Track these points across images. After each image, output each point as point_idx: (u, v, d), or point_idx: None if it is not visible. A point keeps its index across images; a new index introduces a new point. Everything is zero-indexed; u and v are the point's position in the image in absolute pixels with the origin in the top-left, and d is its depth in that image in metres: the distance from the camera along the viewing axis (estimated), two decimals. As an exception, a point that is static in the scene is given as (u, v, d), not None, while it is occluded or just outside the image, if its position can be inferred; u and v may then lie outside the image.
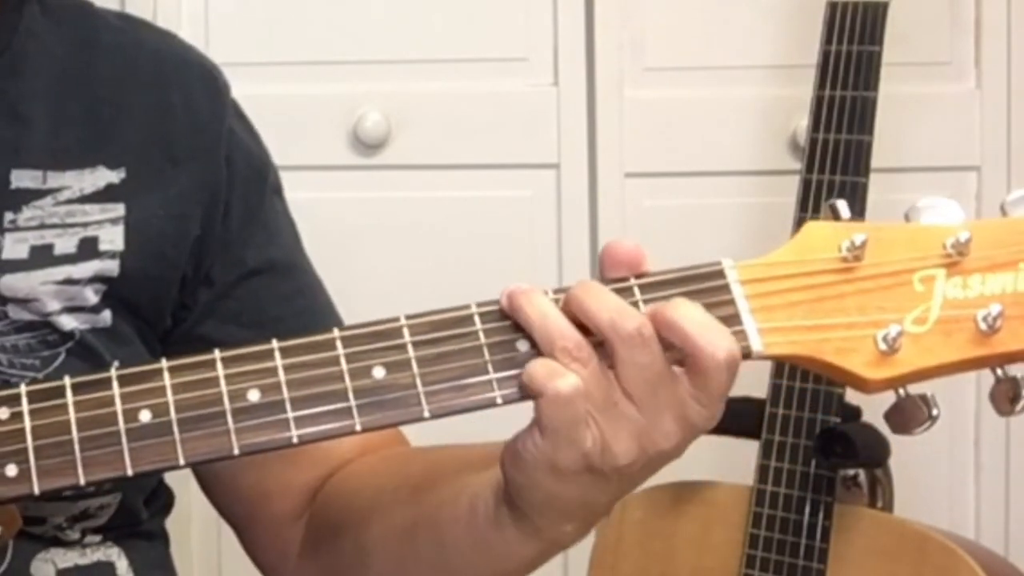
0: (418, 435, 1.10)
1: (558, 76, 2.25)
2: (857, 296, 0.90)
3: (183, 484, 1.21)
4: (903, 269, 0.90)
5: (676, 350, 0.88)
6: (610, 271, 0.92)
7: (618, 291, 0.90)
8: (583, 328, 0.89)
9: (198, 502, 1.24)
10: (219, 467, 1.16)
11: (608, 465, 0.89)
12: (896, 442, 1.72)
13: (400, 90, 2.24)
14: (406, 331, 0.90)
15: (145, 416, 0.88)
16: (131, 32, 1.22)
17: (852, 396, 1.83)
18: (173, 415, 0.88)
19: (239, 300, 1.18)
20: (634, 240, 0.92)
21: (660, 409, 0.88)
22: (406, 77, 2.25)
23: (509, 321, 0.90)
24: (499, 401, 0.89)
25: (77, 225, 1.12)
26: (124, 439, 0.88)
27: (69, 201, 1.12)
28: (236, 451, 0.89)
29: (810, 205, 1.87)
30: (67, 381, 0.90)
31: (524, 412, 0.90)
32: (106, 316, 1.13)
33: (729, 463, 1.93)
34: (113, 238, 1.13)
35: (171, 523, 1.24)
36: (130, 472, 0.88)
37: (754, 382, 1.84)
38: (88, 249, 1.12)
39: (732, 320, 0.89)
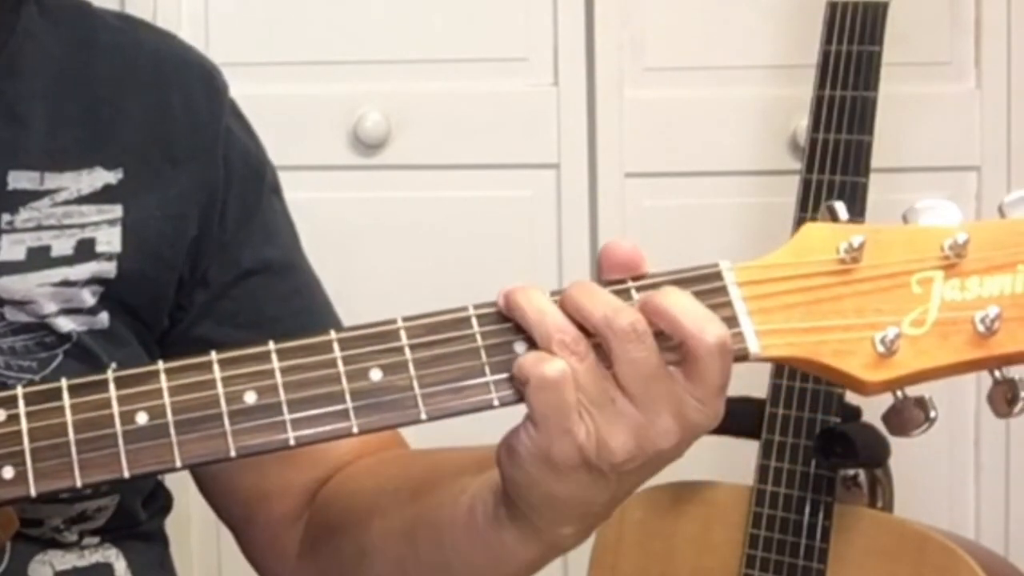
0: (416, 437, 1.10)
1: (558, 76, 2.25)
2: (855, 298, 0.90)
3: (183, 486, 1.21)
4: (901, 271, 0.90)
5: (673, 351, 0.88)
6: (608, 272, 0.92)
7: (615, 292, 0.90)
8: (581, 329, 0.89)
9: (198, 504, 1.24)
10: (216, 469, 1.16)
11: (605, 462, 0.89)
12: (896, 442, 1.72)
13: (400, 90, 2.24)
14: (403, 333, 0.90)
15: (142, 418, 0.88)
16: (130, 32, 1.22)
17: (852, 396, 1.83)
18: (170, 417, 0.88)
19: (236, 301, 1.18)
20: (632, 241, 0.92)
21: (657, 406, 0.88)
22: (406, 77, 2.25)
23: (506, 323, 0.90)
24: (496, 403, 0.89)
25: (74, 226, 1.12)
26: (121, 441, 0.88)
27: (66, 202, 1.12)
28: (233, 453, 0.88)
29: (810, 205, 1.87)
30: (64, 383, 0.90)
31: (523, 414, 0.90)
32: (103, 318, 1.12)
33: (729, 463, 1.93)
34: (110, 240, 1.13)
35: (171, 525, 1.24)
36: (127, 474, 0.88)
37: (754, 382, 1.84)
38: (85, 251, 1.12)
39: (730, 322, 0.89)
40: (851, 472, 1.88)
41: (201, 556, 2.19)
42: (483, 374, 0.89)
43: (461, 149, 2.24)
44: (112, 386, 0.89)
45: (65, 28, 1.18)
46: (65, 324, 1.11)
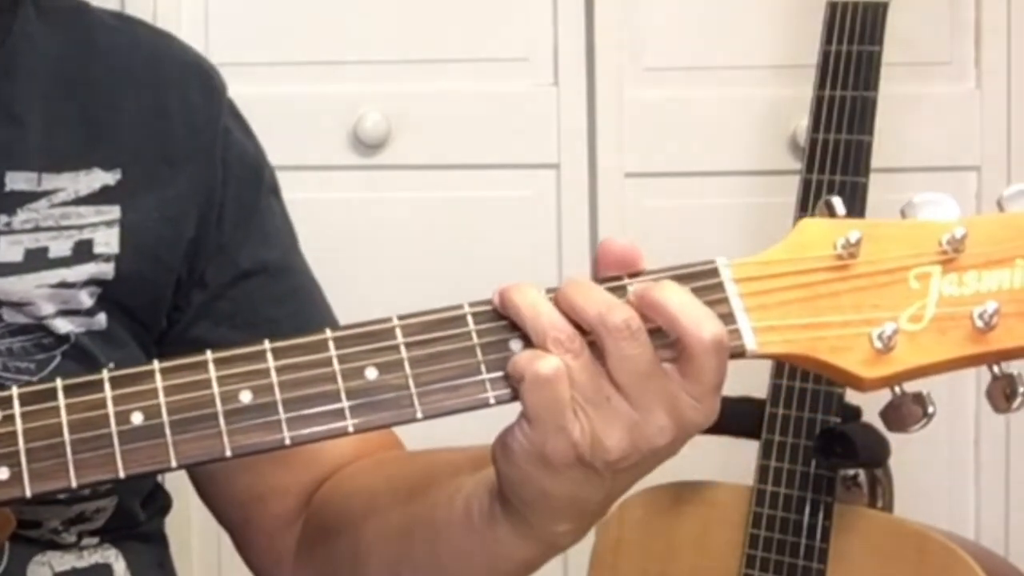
0: (411, 436, 1.10)
1: (558, 76, 2.24)
2: (852, 294, 0.90)
3: (183, 487, 1.21)
4: (898, 266, 0.90)
5: (668, 347, 0.88)
6: (605, 269, 0.92)
7: (611, 290, 0.90)
8: (576, 327, 0.88)
9: (198, 504, 1.24)
10: (213, 470, 1.16)
11: (599, 459, 0.88)
12: (896, 442, 1.72)
13: (400, 90, 2.24)
14: (399, 331, 0.90)
15: (137, 418, 0.88)
16: (127, 32, 1.22)
17: (852, 396, 1.82)
18: (165, 417, 0.88)
19: (233, 301, 1.18)
20: (629, 239, 0.92)
21: (651, 403, 0.88)
22: (406, 77, 2.25)
23: (502, 321, 0.90)
24: (492, 401, 0.89)
25: (72, 228, 1.12)
26: (116, 441, 0.88)
27: (64, 203, 1.12)
28: (228, 453, 0.88)
29: (810, 205, 1.87)
30: (59, 383, 0.89)
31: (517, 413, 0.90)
32: (101, 319, 1.12)
33: (729, 463, 1.93)
34: (108, 241, 1.13)
35: (171, 525, 1.24)
36: (122, 474, 0.88)
37: (754, 382, 1.84)
38: (83, 252, 1.12)
39: (727, 319, 0.89)
40: (851, 472, 1.87)
41: (201, 556, 2.19)
42: (478, 372, 0.89)
43: (461, 149, 2.24)
44: (107, 386, 0.89)
45: (62, 29, 1.18)
46: (63, 325, 1.11)
